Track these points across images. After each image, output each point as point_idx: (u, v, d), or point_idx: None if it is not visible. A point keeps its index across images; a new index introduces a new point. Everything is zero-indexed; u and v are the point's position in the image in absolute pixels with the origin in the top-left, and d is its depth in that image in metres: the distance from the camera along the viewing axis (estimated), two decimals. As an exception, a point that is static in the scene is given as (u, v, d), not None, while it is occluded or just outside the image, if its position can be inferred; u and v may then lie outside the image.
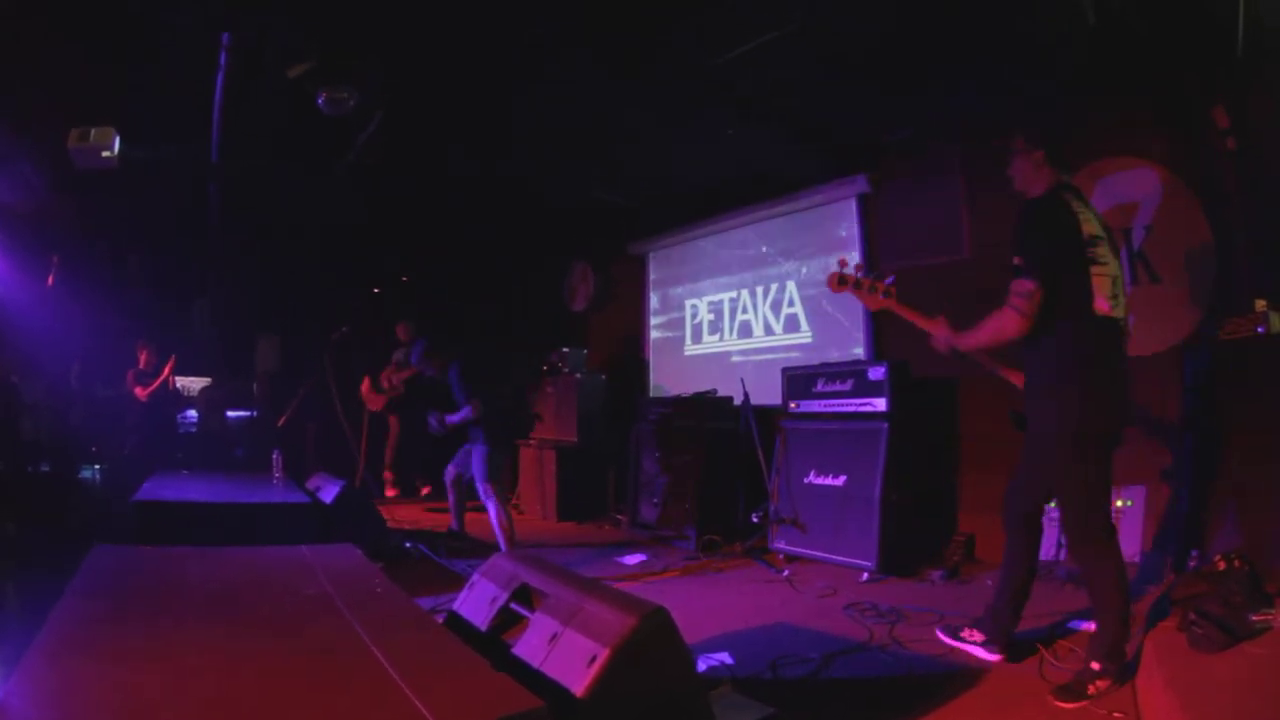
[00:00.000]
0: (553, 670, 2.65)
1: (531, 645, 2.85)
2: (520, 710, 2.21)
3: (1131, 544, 5.84)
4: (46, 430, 9.72)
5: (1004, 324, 3.77)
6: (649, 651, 2.63)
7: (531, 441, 9.81)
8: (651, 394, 10.16)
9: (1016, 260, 3.74)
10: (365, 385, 10.68)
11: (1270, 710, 2.79)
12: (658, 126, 7.18)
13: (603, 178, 8.73)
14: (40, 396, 9.79)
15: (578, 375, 9.74)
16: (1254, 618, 3.47)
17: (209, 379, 11.68)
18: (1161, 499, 5.73)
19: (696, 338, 10.02)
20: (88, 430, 10.48)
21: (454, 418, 6.75)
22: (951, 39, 5.57)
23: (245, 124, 6.87)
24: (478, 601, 3.48)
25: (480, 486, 6.72)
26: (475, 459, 6.75)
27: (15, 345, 9.59)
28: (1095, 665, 3.57)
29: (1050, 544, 6.02)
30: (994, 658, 4.06)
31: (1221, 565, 3.89)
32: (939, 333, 4.17)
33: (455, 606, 3.64)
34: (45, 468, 9.23)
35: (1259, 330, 4.49)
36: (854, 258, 7.84)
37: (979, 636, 4.14)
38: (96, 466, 10.50)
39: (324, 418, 10.62)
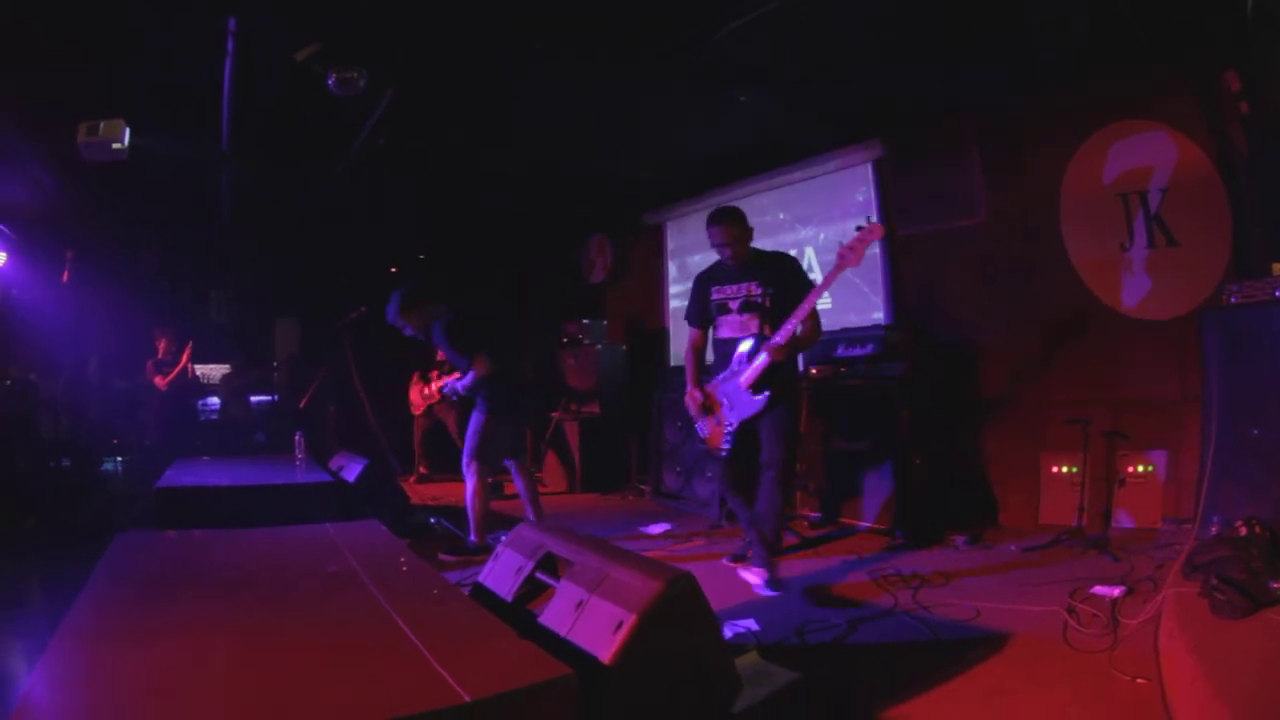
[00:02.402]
0: (579, 638, 2.65)
1: (557, 613, 2.85)
2: (548, 678, 2.22)
3: (1153, 508, 5.85)
4: (66, 426, 9.78)
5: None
6: (675, 617, 2.64)
7: (553, 414, 9.82)
8: (672, 363, 10.13)
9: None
10: (415, 387, 10.46)
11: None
12: (672, 96, 7.11)
13: (618, 149, 8.67)
14: (59, 393, 9.84)
15: (598, 346, 9.80)
16: (1275, 585, 3.42)
17: (229, 366, 11.74)
18: (1182, 463, 5.70)
19: (717, 306, 9.91)
20: (108, 423, 10.54)
21: (462, 382, 6.21)
22: (966, 6, 5.49)
23: (255, 108, 6.85)
24: (503, 572, 3.49)
25: (463, 460, 6.19)
26: (469, 428, 6.22)
27: (33, 343, 9.66)
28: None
29: (1070, 510, 6.02)
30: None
31: (1243, 530, 3.84)
32: None
33: (480, 578, 3.65)
34: (66, 463, 9.27)
35: (1276, 294, 4.44)
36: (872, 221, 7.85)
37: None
38: (118, 459, 10.57)
39: (345, 399, 10.64)
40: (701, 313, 5.40)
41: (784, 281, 5.09)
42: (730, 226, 5.08)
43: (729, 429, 5.16)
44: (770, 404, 4.94)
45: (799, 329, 4.87)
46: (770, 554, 5.00)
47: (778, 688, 3.31)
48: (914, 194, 7.53)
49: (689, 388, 5.34)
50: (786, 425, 4.99)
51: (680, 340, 10.27)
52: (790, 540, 6.18)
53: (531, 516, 6.44)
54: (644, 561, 2.97)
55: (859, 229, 4.72)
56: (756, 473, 5.05)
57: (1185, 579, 3.79)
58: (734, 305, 5.20)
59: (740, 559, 5.56)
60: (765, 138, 8.18)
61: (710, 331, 5.42)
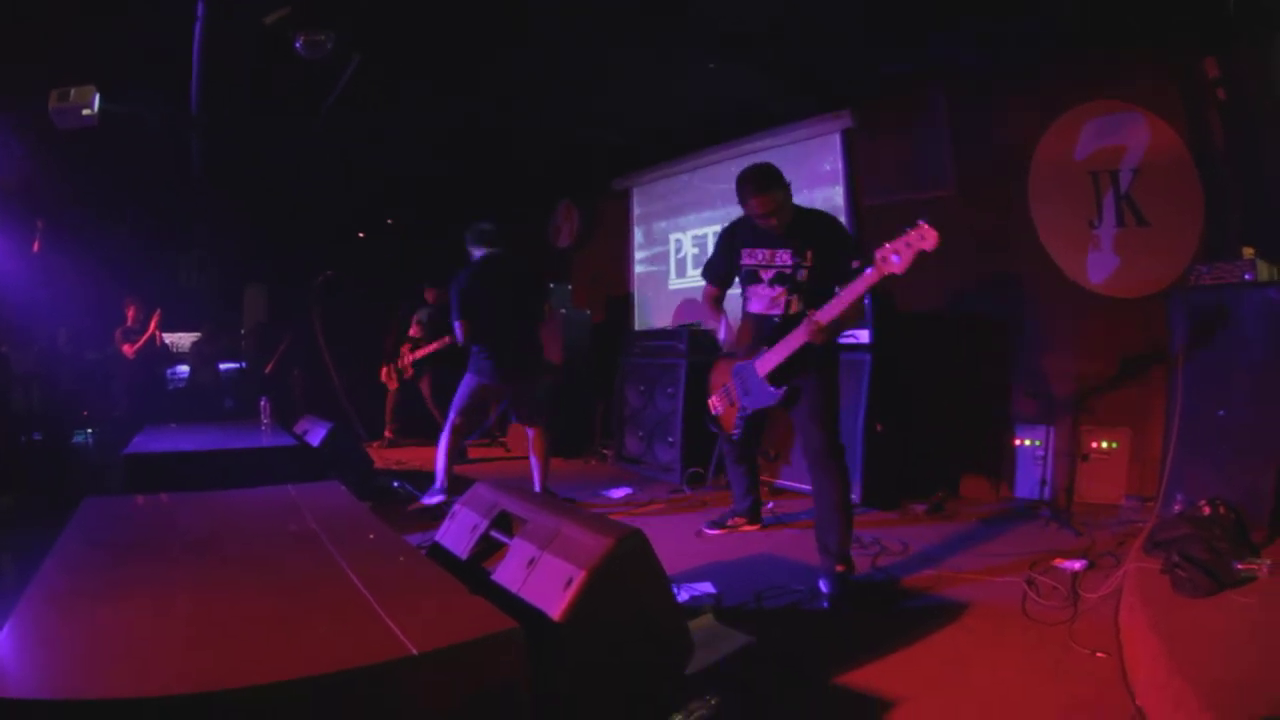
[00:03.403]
0: (530, 594, 2.67)
1: (510, 570, 2.86)
2: (494, 631, 2.24)
3: (1116, 484, 5.91)
4: (38, 399, 9.68)
5: None
6: (626, 575, 2.65)
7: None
8: (637, 328, 10.18)
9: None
10: (386, 369, 10.40)
11: (1260, 662, 2.74)
12: (641, 61, 7.07)
13: (586, 114, 8.61)
14: (31, 366, 9.73)
15: (563, 311, 9.75)
16: (1238, 566, 3.44)
17: (199, 334, 11.67)
18: (1146, 441, 5.76)
19: (681, 272, 9.97)
20: (79, 395, 10.45)
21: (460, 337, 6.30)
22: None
23: (224, 72, 6.77)
24: (459, 531, 3.51)
25: (449, 415, 6.40)
26: (460, 386, 6.41)
27: (4, 316, 9.54)
28: None
29: (1033, 484, 6.08)
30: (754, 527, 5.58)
31: (1206, 510, 3.88)
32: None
33: (437, 537, 3.66)
34: (38, 437, 9.19)
35: (1246, 277, 4.50)
36: (838, 192, 7.84)
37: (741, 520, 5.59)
38: (89, 430, 10.49)
39: (311, 363, 10.62)
40: (724, 272, 4.82)
41: (821, 250, 4.36)
42: (773, 194, 4.32)
43: (742, 414, 4.70)
44: (788, 399, 4.36)
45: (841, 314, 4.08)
46: (835, 563, 4.24)
47: (731, 650, 3.33)
48: (883, 164, 7.52)
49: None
50: (820, 406, 4.35)
51: (645, 306, 10.44)
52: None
53: (538, 488, 6.59)
54: (596, 519, 3.00)
55: (905, 232, 3.71)
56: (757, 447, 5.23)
57: (1147, 555, 3.82)
58: (766, 275, 4.49)
59: (719, 525, 5.60)
60: (734, 105, 8.14)
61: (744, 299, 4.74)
